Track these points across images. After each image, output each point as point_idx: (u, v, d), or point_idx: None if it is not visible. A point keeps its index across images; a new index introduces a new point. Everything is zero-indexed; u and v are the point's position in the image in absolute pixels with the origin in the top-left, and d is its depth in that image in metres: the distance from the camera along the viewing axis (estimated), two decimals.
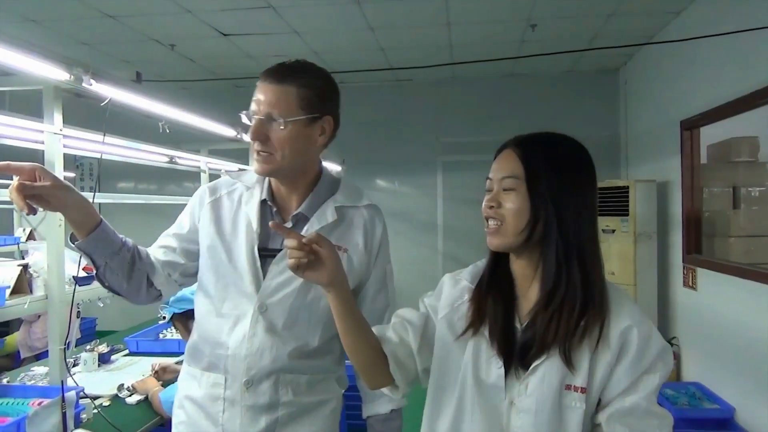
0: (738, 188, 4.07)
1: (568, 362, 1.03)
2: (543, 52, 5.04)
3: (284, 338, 1.42)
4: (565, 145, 1.12)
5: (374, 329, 1.21)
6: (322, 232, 1.35)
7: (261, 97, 1.34)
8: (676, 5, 4.36)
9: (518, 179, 1.07)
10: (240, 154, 4.25)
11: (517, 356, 1.08)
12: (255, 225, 1.43)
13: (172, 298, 2.61)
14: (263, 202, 1.46)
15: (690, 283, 4.35)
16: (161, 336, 3.50)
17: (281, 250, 1.40)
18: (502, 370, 1.08)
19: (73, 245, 1.35)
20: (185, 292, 2.59)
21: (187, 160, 4.07)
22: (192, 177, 6.14)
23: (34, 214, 1.19)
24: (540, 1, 4.23)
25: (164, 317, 3.66)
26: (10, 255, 4.10)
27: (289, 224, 1.44)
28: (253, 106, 1.35)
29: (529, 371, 1.06)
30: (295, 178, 1.45)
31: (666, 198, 4.86)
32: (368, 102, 6.22)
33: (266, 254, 1.43)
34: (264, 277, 1.41)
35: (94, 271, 1.39)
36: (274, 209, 1.46)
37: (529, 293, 1.12)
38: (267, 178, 1.47)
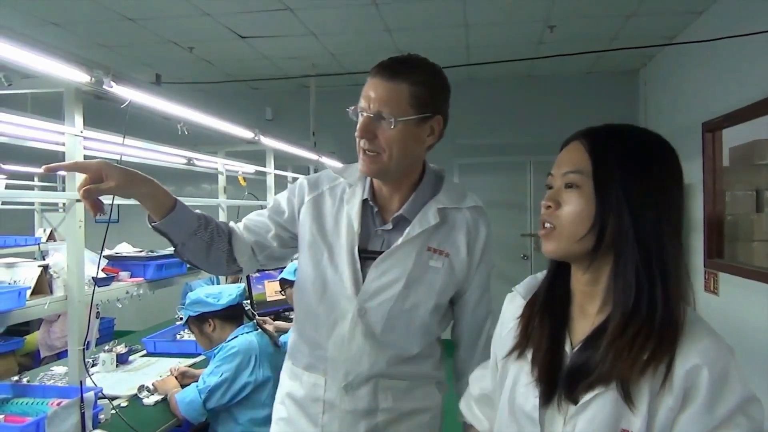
0: (761, 191, 3.99)
1: (628, 400, 0.85)
2: (561, 53, 5.00)
3: (383, 344, 1.39)
4: (646, 137, 0.94)
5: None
6: (423, 235, 1.36)
7: (371, 93, 1.29)
8: (698, 5, 4.29)
9: (583, 175, 0.91)
10: (257, 156, 4.25)
11: (563, 385, 0.92)
12: (356, 225, 1.39)
13: (187, 301, 2.63)
14: (364, 202, 1.42)
15: (711, 288, 4.27)
16: (178, 337, 3.52)
17: (381, 252, 1.38)
18: (537, 400, 0.94)
19: (150, 226, 1.34)
20: (201, 295, 2.60)
21: (204, 161, 4.09)
22: (209, 178, 6.18)
23: (104, 214, 1.19)
24: (558, 1, 4.19)
25: (181, 318, 3.70)
26: (30, 255, 4.15)
27: (389, 226, 1.40)
28: (363, 102, 1.31)
29: (579, 406, 0.89)
30: (399, 178, 1.39)
31: (687, 201, 4.78)
32: None
33: (366, 256, 1.39)
34: (363, 280, 1.37)
35: (173, 249, 1.39)
36: (375, 209, 1.42)
37: (588, 312, 0.95)
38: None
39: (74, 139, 2.05)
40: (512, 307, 1.08)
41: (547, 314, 0.98)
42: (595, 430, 0.87)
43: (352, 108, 1.34)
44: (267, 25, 4.70)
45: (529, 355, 0.98)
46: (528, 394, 0.96)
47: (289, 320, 3.62)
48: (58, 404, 1.88)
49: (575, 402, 0.90)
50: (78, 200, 2.09)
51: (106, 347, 3.12)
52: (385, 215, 1.42)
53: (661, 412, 0.85)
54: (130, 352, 3.19)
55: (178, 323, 3.77)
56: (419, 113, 1.30)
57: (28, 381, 2.64)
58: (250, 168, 4.34)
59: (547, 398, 0.93)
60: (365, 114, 1.29)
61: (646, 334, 0.86)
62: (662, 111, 5.48)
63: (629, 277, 0.88)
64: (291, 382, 1.52)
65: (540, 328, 0.98)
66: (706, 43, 3.97)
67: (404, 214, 1.39)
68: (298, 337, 1.51)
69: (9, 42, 1.48)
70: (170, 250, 2.77)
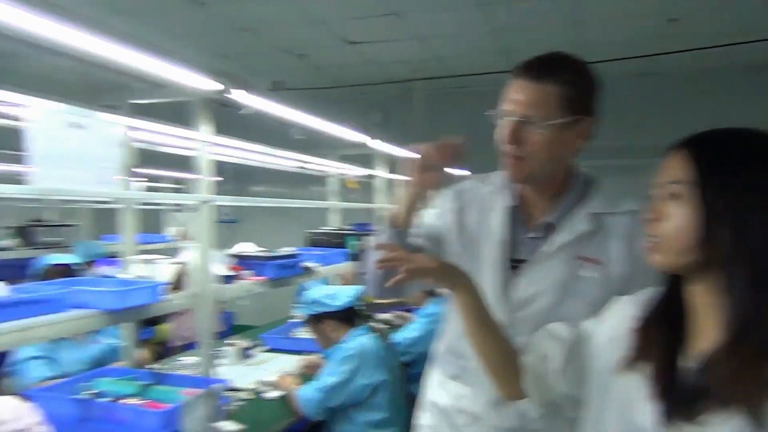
0: None
1: (758, 425, 0.77)
2: (684, 48, 4.67)
3: None
4: (758, 141, 0.87)
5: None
6: (573, 243, 1.28)
7: (517, 96, 1.22)
8: None
9: (686, 185, 0.86)
10: (365, 159, 4.32)
11: (683, 404, 0.85)
12: (502, 234, 1.34)
13: (307, 300, 2.72)
14: (509, 209, 1.36)
15: None
16: (296, 334, 3.64)
17: (526, 261, 1.32)
18: (659, 417, 0.87)
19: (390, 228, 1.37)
20: (318, 295, 2.68)
21: (316, 165, 4.22)
22: (319, 181, 6.38)
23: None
24: None
25: (296, 317, 3.83)
26: (160, 252, 4.48)
27: (537, 233, 1.33)
28: (508, 106, 1.24)
29: (704, 428, 0.83)
30: (547, 183, 1.32)
31: None
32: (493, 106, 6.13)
33: (513, 265, 1.33)
34: (511, 290, 1.32)
35: (380, 275, 1.34)
36: (521, 217, 1.36)
37: (706, 327, 0.89)
38: None
39: (204, 145, 2.19)
40: (620, 315, 1.02)
41: (665, 327, 0.92)
42: None
43: (493, 111, 1.27)
44: (375, 30, 4.78)
45: (642, 368, 0.92)
46: (647, 411, 0.89)
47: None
48: (190, 393, 2.00)
49: (695, 422, 0.83)
50: (205, 201, 2.22)
51: (230, 341, 3.28)
52: (531, 222, 1.35)
53: None
54: (252, 347, 3.34)
55: (293, 321, 3.90)
56: (569, 116, 1.21)
57: (163, 369, 2.83)
58: (359, 171, 4.42)
59: (668, 417, 0.87)
60: (511, 119, 1.22)
61: (758, 357, 0.79)
62: None
63: (738, 294, 0.82)
64: (436, 390, 1.50)
65: (657, 342, 0.92)
66: None
67: (552, 220, 1.32)
68: (445, 345, 1.49)
69: (152, 55, 1.60)
70: (288, 250, 2.89)
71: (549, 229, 1.32)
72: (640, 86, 5.99)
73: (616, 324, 1.02)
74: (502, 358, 1.11)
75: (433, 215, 1.48)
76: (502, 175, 1.35)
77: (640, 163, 6.66)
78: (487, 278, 1.33)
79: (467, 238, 1.40)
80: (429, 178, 1.34)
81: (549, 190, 1.33)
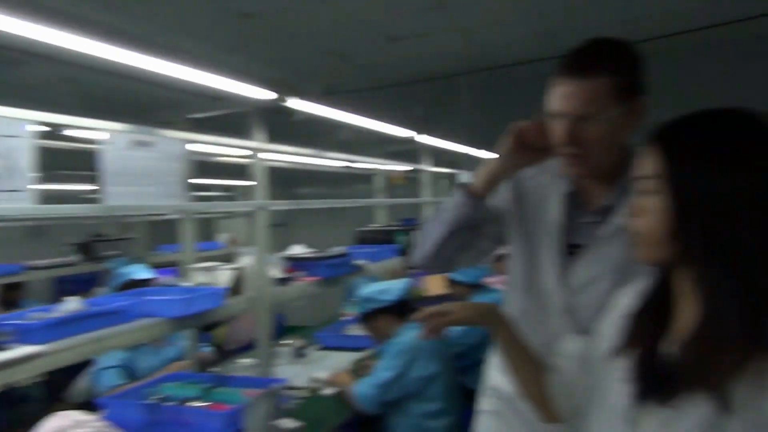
0: None
1: (725, 406, 0.78)
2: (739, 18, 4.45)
3: None
4: (730, 125, 0.85)
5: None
6: None
7: (567, 96, 1.19)
8: None
9: (658, 179, 0.85)
10: (410, 155, 4.33)
11: (653, 386, 0.87)
12: (560, 218, 1.34)
13: (360, 298, 2.76)
14: (567, 195, 1.36)
15: None
16: (348, 331, 3.69)
17: (585, 245, 1.31)
18: (630, 399, 0.89)
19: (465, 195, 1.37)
20: (371, 292, 2.72)
21: (362, 164, 4.26)
22: (364, 179, 6.43)
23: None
24: None
25: (347, 314, 3.88)
26: (216, 259, 4.61)
27: (596, 217, 1.32)
28: (559, 105, 1.21)
29: (675, 410, 0.84)
30: (605, 169, 1.29)
31: None
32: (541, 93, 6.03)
33: (572, 250, 1.33)
34: (569, 275, 1.32)
35: (444, 232, 1.38)
36: (580, 200, 1.35)
37: (686, 315, 0.89)
38: None
39: (259, 153, 2.24)
40: (618, 306, 1.04)
41: (652, 315, 0.93)
42: None
43: (543, 111, 1.26)
44: (417, 25, 4.76)
45: (627, 353, 0.93)
46: (622, 392, 0.91)
47: None
48: (251, 394, 2.06)
49: (667, 405, 0.84)
50: (261, 207, 2.28)
51: (285, 341, 3.36)
52: (589, 207, 1.34)
53: (763, 420, 0.77)
54: (305, 346, 3.41)
55: (345, 318, 3.96)
56: (623, 103, 1.19)
57: (224, 372, 2.92)
58: (405, 167, 4.44)
59: (642, 398, 0.88)
60: (565, 118, 1.20)
61: (732, 335, 0.79)
62: None
63: (707, 285, 0.83)
64: (499, 375, 1.48)
65: (642, 328, 0.93)
66: None
67: (609, 203, 1.30)
68: None
69: (206, 69, 1.66)
70: (338, 250, 2.94)
71: (607, 212, 1.31)
72: (698, 59, 5.74)
73: (613, 313, 1.04)
74: (540, 385, 1.12)
75: (497, 198, 1.46)
76: (559, 162, 1.32)
77: None
78: (546, 264, 1.34)
79: (526, 224, 1.41)
80: (523, 156, 1.32)
81: (606, 174, 1.30)
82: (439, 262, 1.45)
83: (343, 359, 3.14)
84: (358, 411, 2.51)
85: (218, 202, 3.76)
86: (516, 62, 5.59)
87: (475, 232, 1.43)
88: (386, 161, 4.24)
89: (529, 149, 1.31)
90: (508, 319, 1.17)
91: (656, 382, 0.87)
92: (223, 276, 2.13)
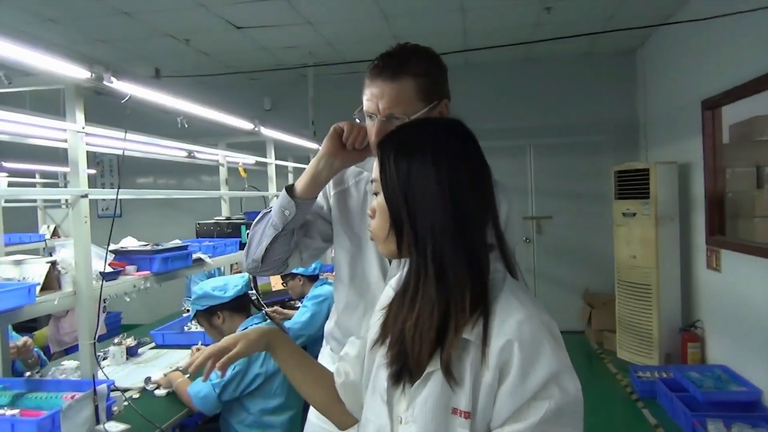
0: (762, 167, 4.00)
1: (450, 378, 0.89)
2: (558, 36, 4.97)
3: None
4: (413, 129, 1.01)
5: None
6: None
7: (378, 96, 1.28)
8: None
9: (378, 181, 0.98)
10: (257, 146, 4.26)
11: (403, 367, 0.96)
12: None
13: (194, 296, 2.65)
14: None
15: (714, 265, 4.30)
16: (186, 329, 3.55)
17: None
18: (386, 382, 0.98)
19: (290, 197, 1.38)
20: (207, 288, 2.62)
21: (205, 154, 4.10)
22: (210, 170, 6.19)
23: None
24: None
25: (187, 310, 3.73)
26: (35, 252, 4.18)
27: None
28: (370, 106, 1.30)
29: (414, 388, 0.94)
30: None
31: (687, 179, 4.79)
32: None
33: None
34: (391, 269, 1.38)
35: (273, 235, 1.40)
36: None
37: None
38: None
39: (76, 135, 2.07)
40: (384, 297, 1.11)
41: (400, 304, 1.01)
42: (429, 409, 0.91)
43: (357, 111, 1.34)
44: (263, 15, 4.68)
45: (387, 341, 1.01)
46: (382, 376, 0.99)
47: (295, 309, 3.66)
48: (72, 398, 1.91)
49: (417, 382, 0.94)
50: (83, 196, 2.11)
51: (116, 340, 3.15)
52: None
53: (483, 389, 0.88)
54: (139, 344, 3.22)
55: (184, 315, 3.80)
56: (428, 104, 1.29)
57: (40, 376, 2.67)
58: (251, 159, 4.35)
59: (396, 380, 0.97)
60: (377, 119, 1.28)
61: (427, 309, 0.92)
62: (660, 90, 5.47)
63: (408, 255, 0.95)
64: (329, 367, 1.53)
65: (395, 316, 1.00)
66: (702, 21, 3.96)
67: None
68: (334, 324, 1.55)
69: (9, 40, 1.49)
70: (174, 243, 2.81)
71: None
72: (519, 71, 6.30)
73: (378, 306, 1.12)
74: (330, 393, 1.16)
75: (322, 198, 1.52)
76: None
77: (519, 144, 6.99)
78: (369, 258, 1.42)
79: (349, 221, 1.46)
80: (344, 156, 1.38)
81: None
82: (270, 265, 1.47)
83: (180, 358, 3.01)
84: (194, 411, 2.42)
85: (28, 188, 3.36)
86: (361, 59, 5.72)
87: (304, 232, 1.48)
88: (232, 152, 4.11)
89: (349, 149, 1.37)
90: (287, 339, 1.21)
91: (406, 364, 0.95)
92: (34, 270, 1.93)
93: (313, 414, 1.55)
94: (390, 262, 1.39)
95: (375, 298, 1.38)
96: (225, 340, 1.17)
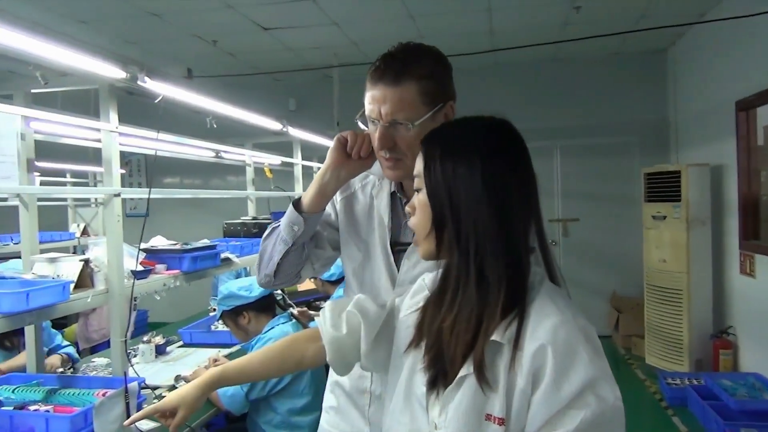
0: None
1: (483, 383, 0.87)
2: (587, 35, 4.90)
3: None
4: (460, 128, 0.99)
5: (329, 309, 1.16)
6: None
7: (380, 102, 1.22)
8: None
9: (421, 177, 0.96)
10: (284, 147, 4.27)
11: (440, 371, 0.94)
12: (386, 219, 1.38)
13: (220, 296, 2.66)
14: (393, 195, 1.40)
15: (747, 270, 4.19)
16: (213, 328, 3.57)
17: (412, 243, 1.33)
18: (424, 388, 0.95)
19: (298, 213, 1.36)
20: (233, 288, 2.63)
21: (232, 154, 4.12)
22: (236, 170, 6.23)
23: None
24: None
25: (214, 309, 3.75)
26: (65, 250, 4.25)
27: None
28: (372, 112, 1.24)
29: (448, 392, 0.91)
30: None
31: (720, 182, 4.69)
32: None
33: (399, 248, 1.37)
34: (397, 272, 1.36)
35: (284, 251, 1.38)
36: (404, 200, 1.37)
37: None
38: None
39: (110, 135, 2.09)
40: (418, 293, 1.08)
41: (436, 307, 0.99)
42: (462, 414, 0.88)
43: (359, 115, 1.29)
44: (289, 16, 4.70)
45: (423, 344, 0.99)
46: (419, 381, 0.97)
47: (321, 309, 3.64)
48: (104, 394, 1.92)
49: (452, 385, 0.91)
50: (116, 195, 2.13)
51: (145, 338, 3.18)
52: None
53: (517, 394, 0.86)
54: (168, 343, 3.25)
55: (211, 314, 3.82)
56: (433, 108, 1.23)
57: (72, 372, 2.70)
58: (277, 159, 4.36)
59: (432, 385, 0.94)
60: (380, 125, 1.23)
61: (467, 309, 0.90)
62: (692, 90, 5.37)
63: (446, 254, 0.94)
64: None
65: (432, 318, 0.98)
66: (737, 19, 3.87)
67: None
68: None
69: (50, 41, 1.51)
70: (203, 242, 2.82)
71: None
72: (547, 71, 6.23)
73: (412, 299, 1.09)
74: (295, 366, 1.23)
75: (330, 207, 1.49)
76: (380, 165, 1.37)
77: (546, 145, 6.92)
78: (376, 263, 1.39)
79: (356, 225, 1.44)
80: (349, 166, 1.34)
81: None
82: (284, 279, 1.45)
83: (207, 356, 3.02)
84: (222, 410, 2.43)
85: (63, 188, 3.41)
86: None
87: (315, 243, 1.46)
88: (258, 152, 4.14)
89: (354, 158, 1.32)
90: (227, 368, 1.21)
91: (443, 367, 0.93)
92: (68, 268, 1.95)
93: (324, 420, 1.55)
94: (398, 269, 1.36)
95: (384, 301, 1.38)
96: (169, 401, 1.17)
